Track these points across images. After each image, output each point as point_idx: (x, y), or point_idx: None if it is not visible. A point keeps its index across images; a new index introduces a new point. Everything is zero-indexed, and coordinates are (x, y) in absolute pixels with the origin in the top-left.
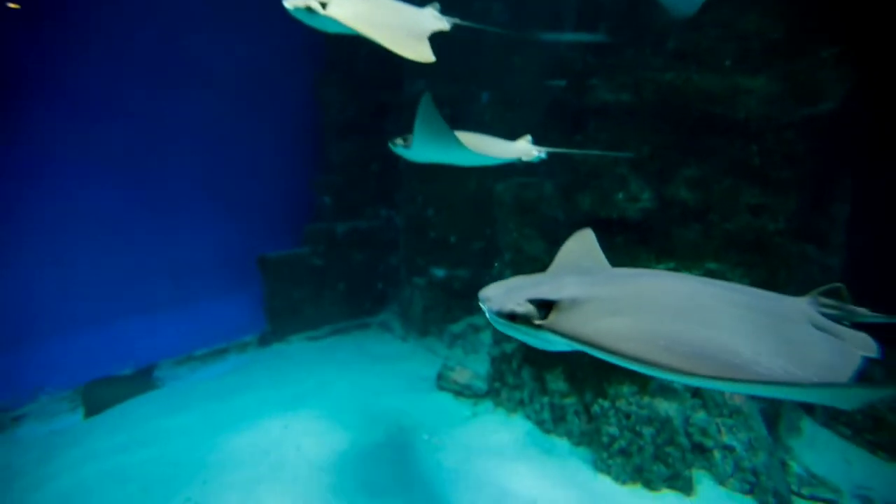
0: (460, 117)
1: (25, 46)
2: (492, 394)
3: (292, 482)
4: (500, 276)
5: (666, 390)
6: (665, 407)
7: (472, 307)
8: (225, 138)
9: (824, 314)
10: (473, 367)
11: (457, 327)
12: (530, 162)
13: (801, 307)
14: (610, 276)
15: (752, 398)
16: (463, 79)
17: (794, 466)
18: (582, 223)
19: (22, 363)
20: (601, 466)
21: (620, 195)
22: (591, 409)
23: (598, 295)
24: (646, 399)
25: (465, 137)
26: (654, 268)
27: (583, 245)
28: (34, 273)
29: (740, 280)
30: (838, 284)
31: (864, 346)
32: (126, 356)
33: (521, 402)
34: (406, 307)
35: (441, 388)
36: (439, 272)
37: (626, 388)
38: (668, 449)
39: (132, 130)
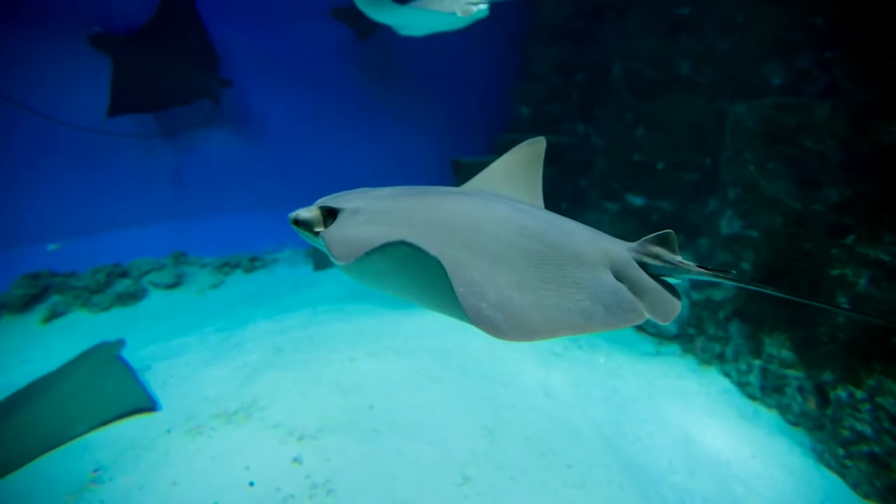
0: None
1: None
2: (682, 338)
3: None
4: (715, 217)
5: None
6: None
7: None
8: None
9: (644, 263)
10: None
11: None
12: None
13: (616, 251)
14: (417, 190)
15: None
16: None
17: None
18: (873, 165)
19: (276, 222)
20: (831, 462)
21: None
22: (828, 392)
23: (378, 207)
24: None
25: None
26: None
27: (519, 160)
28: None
29: None
30: (667, 231)
31: (656, 303)
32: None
33: (720, 357)
34: None
35: None
36: (637, 200)
37: None
38: None
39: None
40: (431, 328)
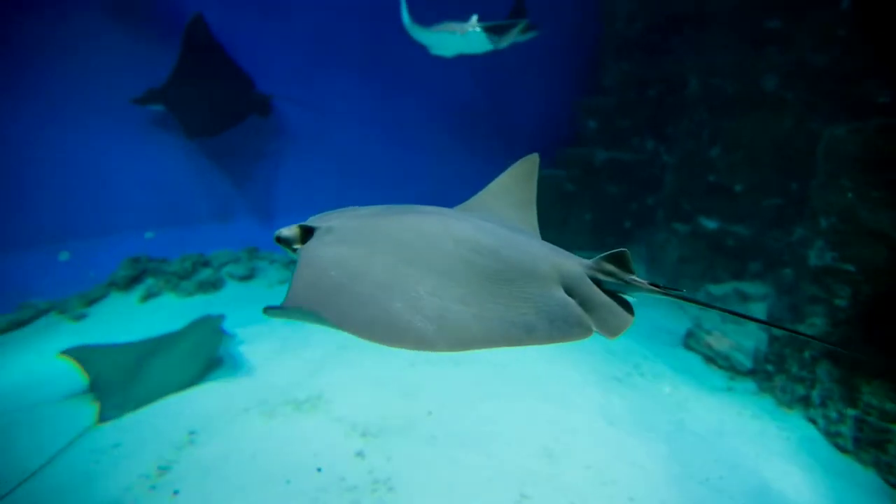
0: None
1: None
2: (759, 375)
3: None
4: (801, 247)
5: None
6: None
7: (745, 271)
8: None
9: (598, 279)
10: (734, 338)
11: (718, 289)
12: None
13: (569, 268)
14: (392, 209)
15: None
16: None
17: None
18: None
19: None
20: None
21: None
22: None
23: (348, 226)
24: None
25: None
26: None
27: (513, 178)
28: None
29: None
30: (622, 250)
31: (605, 318)
32: None
33: (804, 400)
34: (656, 252)
35: (688, 348)
36: (710, 223)
37: None
38: None
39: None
40: None
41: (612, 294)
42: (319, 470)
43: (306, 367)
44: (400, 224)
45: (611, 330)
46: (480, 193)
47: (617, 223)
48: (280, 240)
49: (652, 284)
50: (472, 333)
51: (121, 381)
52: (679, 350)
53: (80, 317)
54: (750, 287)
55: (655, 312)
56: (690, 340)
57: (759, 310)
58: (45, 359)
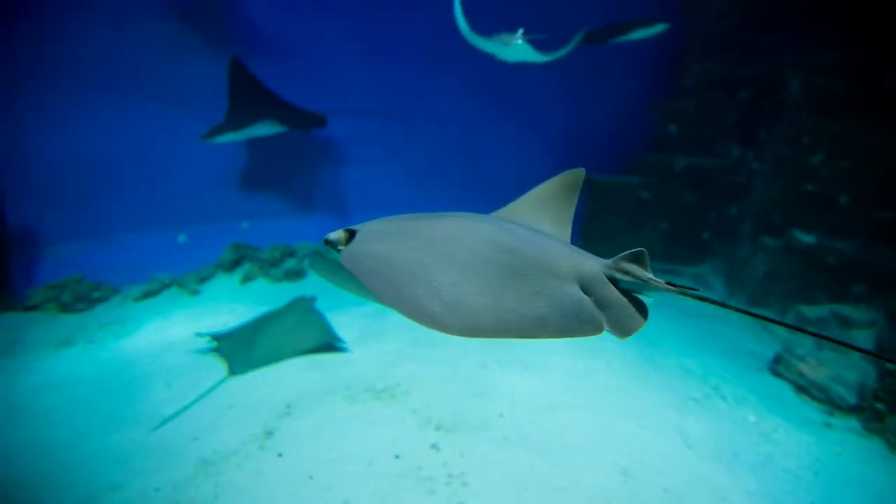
0: None
1: None
2: (866, 413)
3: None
4: None
5: None
6: None
7: (847, 292)
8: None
9: (615, 279)
10: (833, 368)
11: (812, 311)
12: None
13: (587, 267)
14: (422, 214)
15: None
16: None
17: None
18: None
19: None
20: None
21: None
22: None
23: (384, 228)
24: None
25: None
26: None
27: (554, 190)
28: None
29: None
30: (640, 249)
31: (619, 318)
32: None
33: None
34: (738, 267)
35: (776, 374)
36: (807, 237)
37: None
38: None
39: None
40: (557, 346)
41: (628, 294)
42: (397, 457)
43: (382, 358)
44: (429, 225)
45: (623, 330)
46: (516, 202)
47: (693, 234)
48: (328, 242)
49: (669, 283)
50: (483, 321)
51: (241, 347)
52: (765, 375)
53: (195, 292)
54: (853, 311)
55: (736, 331)
56: (779, 366)
57: (863, 338)
58: (174, 325)
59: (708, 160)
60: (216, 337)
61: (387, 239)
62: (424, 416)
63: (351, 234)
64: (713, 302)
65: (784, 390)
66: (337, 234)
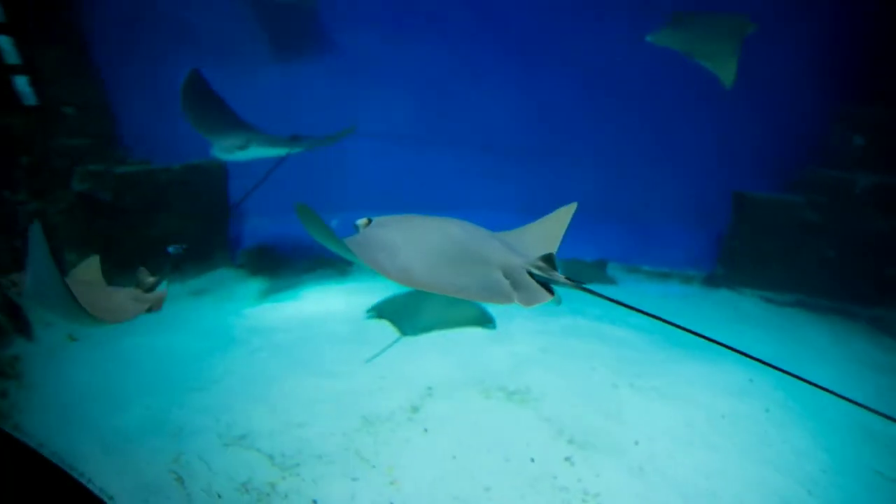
0: None
1: None
2: None
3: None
4: None
5: None
6: None
7: None
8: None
9: (531, 272)
10: None
11: None
12: None
13: (512, 261)
14: (427, 216)
15: None
16: None
17: None
18: None
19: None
20: None
21: None
22: None
23: (391, 221)
24: None
25: None
26: None
27: (553, 221)
28: None
29: None
30: (550, 253)
31: (526, 295)
32: (589, 249)
33: None
34: None
35: None
36: None
37: None
38: None
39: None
40: (696, 379)
41: (539, 281)
42: (533, 460)
43: (511, 359)
44: (419, 223)
45: (525, 301)
46: (519, 229)
47: (876, 268)
48: (356, 226)
49: (567, 278)
50: (419, 278)
51: (407, 314)
52: None
53: (345, 272)
54: None
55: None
56: None
57: None
58: (332, 296)
59: None
60: (376, 307)
61: (385, 227)
62: (557, 427)
63: (369, 221)
64: (610, 300)
65: None
66: (362, 221)
